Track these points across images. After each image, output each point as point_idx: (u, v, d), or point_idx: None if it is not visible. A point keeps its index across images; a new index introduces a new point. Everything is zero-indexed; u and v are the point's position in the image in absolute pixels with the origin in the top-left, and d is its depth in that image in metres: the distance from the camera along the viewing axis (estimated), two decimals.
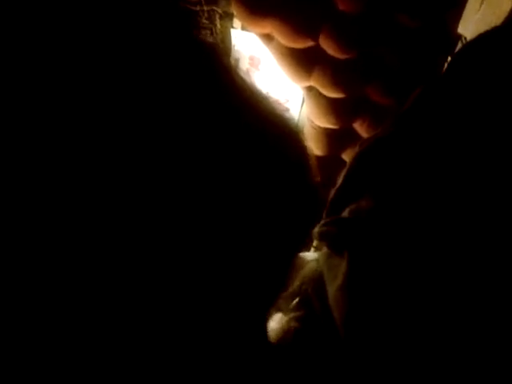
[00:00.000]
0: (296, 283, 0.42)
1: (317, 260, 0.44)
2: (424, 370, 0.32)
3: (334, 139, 1.22)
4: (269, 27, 1.10)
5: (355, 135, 1.19)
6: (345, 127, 1.19)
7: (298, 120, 1.32)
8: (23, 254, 0.22)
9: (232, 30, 1.24)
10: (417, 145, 0.40)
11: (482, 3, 0.82)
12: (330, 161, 1.28)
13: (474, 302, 0.33)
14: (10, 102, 0.22)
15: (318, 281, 0.39)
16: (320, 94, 1.15)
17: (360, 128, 1.16)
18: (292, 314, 0.38)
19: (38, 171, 0.22)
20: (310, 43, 1.08)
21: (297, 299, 0.40)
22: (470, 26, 0.95)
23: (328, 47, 1.06)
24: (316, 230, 0.42)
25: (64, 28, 0.24)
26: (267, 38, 1.16)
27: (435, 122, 0.40)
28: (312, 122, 1.21)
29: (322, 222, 0.42)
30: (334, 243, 0.39)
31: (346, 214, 0.40)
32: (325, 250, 0.41)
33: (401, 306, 0.34)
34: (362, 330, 0.33)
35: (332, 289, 0.36)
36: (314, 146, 1.26)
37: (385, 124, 0.45)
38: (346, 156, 1.24)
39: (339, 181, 0.45)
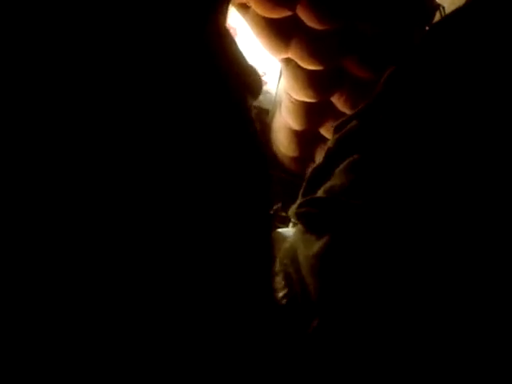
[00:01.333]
0: (278, 260, 0.42)
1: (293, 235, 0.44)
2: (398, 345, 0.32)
3: (312, 113, 1.22)
4: None
5: (333, 109, 1.18)
6: (323, 101, 1.18)
7: (276, 94, 1.30)
8: (23, 253, 0.21)
9: None
10: (394, 127, 0.40)
11: None
12: (309, 135, 1.27)
13: (451, 278, 0.33)
14: (11, 102, 0.21)
15: (294, 253, 0.39)
16: (298, 66, 1.13)
17: (338, 102, 1.15)
18: (280, 293, 0.39)
19: (38, 171, 0.21)
20: (287, 13, 1.06)
21: (280, 275, 0.40)
22: None
23: (306, 17, 1.04)
24: (293, 210, 0.42)
25: (64, 28, 0.23)
26: (243, 7, 1.13)
27: (410, 104, 0.40)
28: (290, 96, 1.20)
29: (299, 201, 0.42)
30: (311, 223, 0.39)
31: (321, 193, 0.39)
32: (300, 227, 0.41)
33: (378, 281, 0.34)
34: (335, 297, 0.34)
35: (306, 256, 0.36)
36: (292, 121, 1.25)
37: (363, 104, 0.44)
38: (324, 131, 1.23)
39: (319, 161, 0.45)
